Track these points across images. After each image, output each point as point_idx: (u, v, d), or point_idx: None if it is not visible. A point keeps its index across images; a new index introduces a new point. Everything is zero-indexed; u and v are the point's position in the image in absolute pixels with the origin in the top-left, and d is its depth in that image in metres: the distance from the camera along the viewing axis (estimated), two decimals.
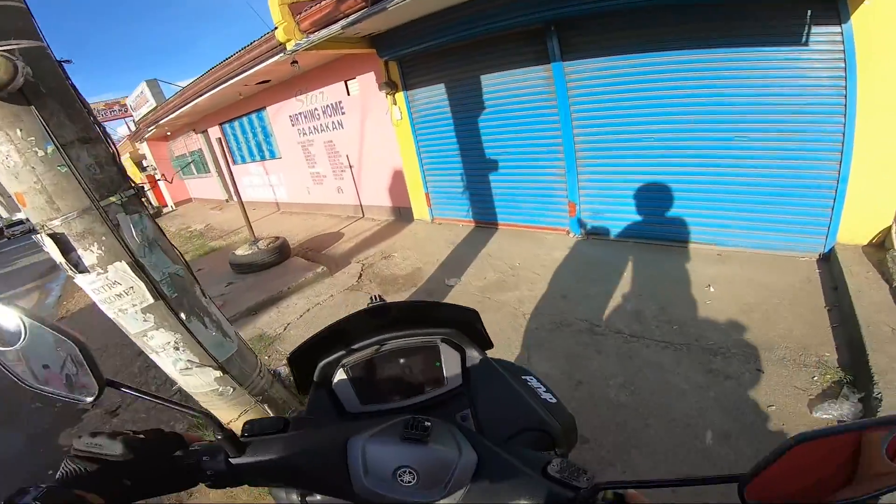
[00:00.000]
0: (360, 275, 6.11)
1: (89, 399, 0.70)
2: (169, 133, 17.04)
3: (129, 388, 0.70)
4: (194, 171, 17.18)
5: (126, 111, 22.53)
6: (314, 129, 9.39)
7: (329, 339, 1.07)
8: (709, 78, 4.43)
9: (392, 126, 7.32)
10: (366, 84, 7.56)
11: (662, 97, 4.73)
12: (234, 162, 13.52)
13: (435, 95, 6.54)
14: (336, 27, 5.36)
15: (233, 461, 0.72)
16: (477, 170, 6.52)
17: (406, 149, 7.36)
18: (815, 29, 3.83)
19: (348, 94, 8.07)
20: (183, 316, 2.38)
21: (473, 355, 1.09)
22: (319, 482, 0.76)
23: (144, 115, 14.70)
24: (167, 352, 2.43)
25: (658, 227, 5.28)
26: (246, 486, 0.76)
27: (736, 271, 4.38)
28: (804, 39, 3.89)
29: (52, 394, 0.72)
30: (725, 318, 3.65)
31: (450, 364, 1.06)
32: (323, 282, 6.13)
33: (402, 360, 1.07)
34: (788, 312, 3.57)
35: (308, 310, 5.44)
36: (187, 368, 2.50)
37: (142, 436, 0.72)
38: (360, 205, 9.22)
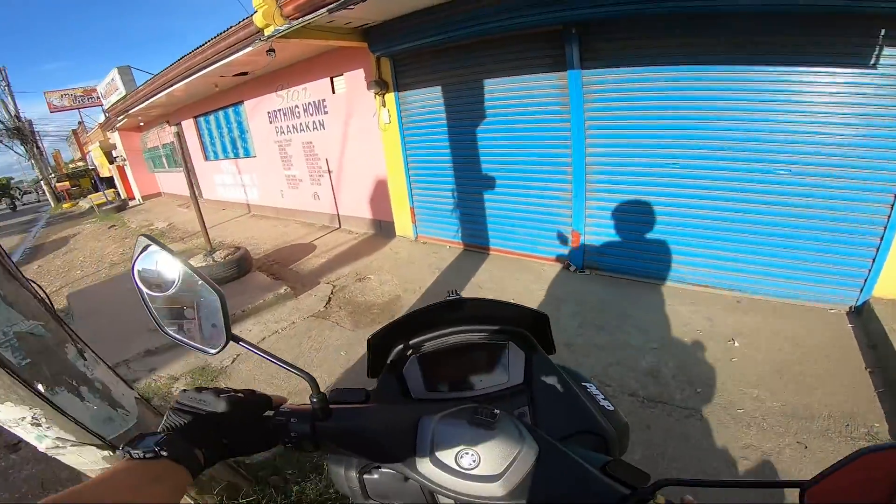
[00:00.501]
0: (329, 299, 5.24)
1: (214, 350, 0.74)
2: (142, 123, 16.00)
3: (250, 344, 0.74)
4: (165, 164, 16.08)
5: (83, 101, 21.27)
6: (293, 128, 8.52)
7: (407, 326, 1.10)
8: (750, 99, 3.77)
9: (379, 130, 6.50)
10: (354, 82, 6.74)
11: (694, 119, 4.03)
12: (207, 158, 12.59)
13: (429, 99, 5.75)
14: (322, 12, 4.56)
15: (318, 425, 0.74)
16: (470, 186, 5.73)
17: (392, 157, 6.52)
18: (886, 50, 3.19)
19: (333, 93, 7.25)
20: (41, 387, 1.51)
21: (538, 357, 1.07)
22: (387, 454, 0.75)
23: (114, 104, 13.61)
24: (24, 427, 1.58)
25: (673, 268, 4.56)
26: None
27: (759, 322, 3.82)
28: (872, 62, 3.26)
29: (183, 342, 0.77)
30: (755, 380, 3.15)
31: (514, 362, 1.06)
32: (285, 304, 5.24)
33: (470, 354, 1.08)
34: (826, 374, 3.13)
35: (263, 339, 4.59)
36: (58, 447, 1.67)
37: (240, 394, 0.76)
38: (338, 214, 8.34)
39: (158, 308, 0.78)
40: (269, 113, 8.94)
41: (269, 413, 0.78)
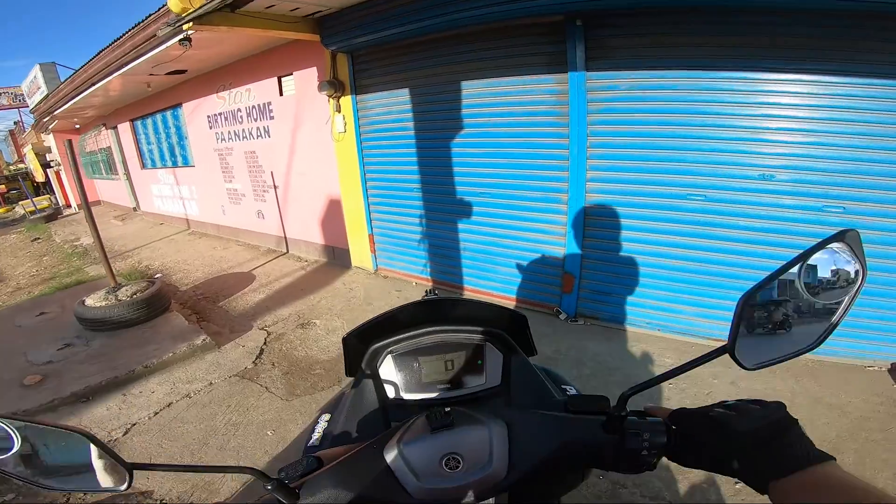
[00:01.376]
0: (261, 352, 4.02)
1: (123, 486, 0.62)
2: (78, 126, 14.31)
3: (159, 465, 0.64)
4: (103, 171, 14.38)
5: (24, 100, 19.54)
6: (234, 134, 7.23)
7: (382, 326, 1.05)
8: (801, 116, 2.93)
9: (332, 141, 5.34)
10: (304, 83, 5.56)
11: (728, 140, 3.10)
12: (144, 166, 11.10)
13: (394, 104, 4.61)
14: None
15: None
16: (442, 212, 4.60)
17: (347, 173, 5.33)
18: None
19: (281, 95, 6.04)
20: None
21: (516, 358, 1.04)
22: (380, 502, 0.67)
23: (37, 104, 11.94)
24: None
25: (690, 321, 3.59)
26: None
27: (793, 386, 3.13)
28: None
29: (77, 490, 0.68)
30: None
31: (492, 364, 1.03)
32: (203, 358, 3.99)
33: (446, 354, 1.03)
34: (886, 451, 2.54)
35: (169, 404, 3.42)
36: None
37: None
38: (285, 237, 7.05)
39: (21, 469, 0.59)
40: (208, 117, 7.63)
41: None
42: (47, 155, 17.23)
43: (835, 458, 0.53)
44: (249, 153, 7.03)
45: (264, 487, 0.64)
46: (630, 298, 3.73)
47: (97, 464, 0.62)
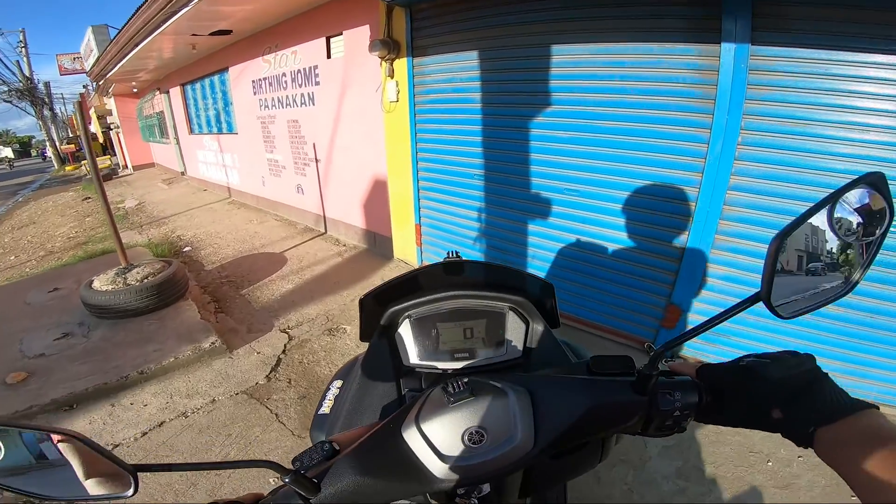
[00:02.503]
0: (278, 362, 3.17)
1: (129, 492, 0.51)
2: (136, 90, 13.87)
3: (165, 465, 0.51)
4: (157, 134, 13.93)
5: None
6: (278, 101, 6.38)
7: (402, 288, 0.97)
8: None
9: (382, 111, 4.39)
10: (355, 43, 4.62)
11: None
12: (192, 131, 10.47)
13: (457, 69, 3.59)
14: None
15: (313, 502, 0.56)
16: (509, 207, 3.57)
17: (396, 150, 4.39)
18: None
19: (328, 57, 5.11)
20: None
21: (538, 329, 0.95)
22: (403, 486, 0.58)
23: (91, 68, 11.43)
24: None
25: (842, 380, 2.50)
26: None
27: None
28: None
29: (80, 498, 0.52)
30: None
31: (513, 334, 0.94)
32: (210, 365, 3.20)
33: (466, 321, 0.94)
34: None
35: (161, 423, 2.69)
36: None
37: None
38: (324, 216, 6.20)
39: (10, 481, 0.51)
40: (253, 82, 6.81)
41: None
42: (108, 118, 17.05)
43: (878, 406, 0.48)
44: (292, 122, 6.17)
45: (282, 480, 0.54)
46: (755, 344, 2.68)
47: (97, 469, 0.51)
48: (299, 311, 3.88)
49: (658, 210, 2.75)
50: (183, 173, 12.39)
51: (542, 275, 3.43)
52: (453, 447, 0.57)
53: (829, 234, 0.51)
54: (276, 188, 7.28)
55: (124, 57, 8.03)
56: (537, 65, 3.03)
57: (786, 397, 0.52)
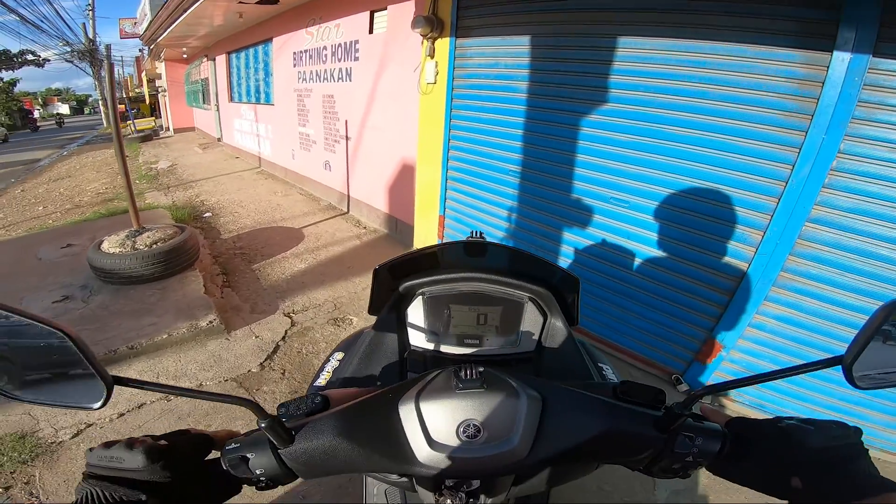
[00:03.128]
0: (275, 349, 2.90)
1: (97, 404, 0.47)
2: (186, 56, 13.82)
3: (143, 382, 0.48)
4: (201, 100, 13.86)
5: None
6: (316, 75, 6.10)
7: (418, 263, 0.89)
8: None
9: (418, 92, 4.04)
10: (398, 19, 4.29)
11: None
12: (232, 99, 10.30)
13: (503, 55, 3.19)
14: None
15: (282, 452, 0.53)
16: (543, 210, 3.15)
17: (428, 135, 4.02)
18: None
19: (371, 32, 4.79)
20: None
21: (557, 325, 0.87)
22: (378, 461, 0.55)
23: (144, 32, 11.37)
24: None
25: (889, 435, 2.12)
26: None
27: None
28: None
29: (49, 403, 0.51)
30: None
31: (529, 326, 0.86)
32: (205, 345, 2.94)
33: (481, 307, 0.86)
34: None
35: (141, 405, 2.46)
36: None
37: (163, 441, 0.53)
38: (348, 195, 5.91)
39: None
40: (294, 54, 6.55)
41: (214, 456, 0.57)
42: (156, 81, 17.15)
43: None
44: (327, 97, 5.88)
45: (258, 424, 0.52)
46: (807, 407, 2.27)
47: (72, 372, 0.48)
48: (307, 295, 3.58)
49: (717, 235, 2.33)
50: (219, 139, 12.27)
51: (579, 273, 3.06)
52: (445, 435, 0.53)
53: None
54: (305, 162, 7.03)
55: (173, 22, 7.93)
56: (597, 57, 2.62)
57: (815, 468, 0.48)
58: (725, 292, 2.36)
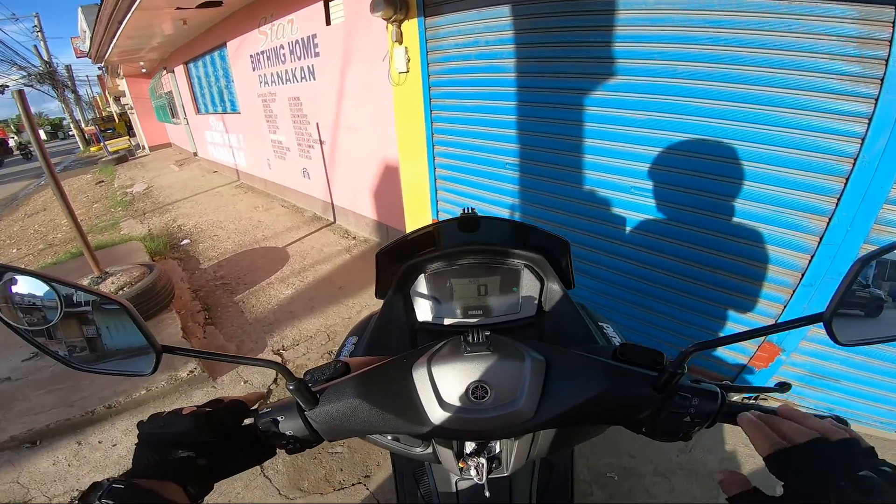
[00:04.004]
0: (269, 393, 2.47)
1: (149, 370, 0.52)
2: (145, 70, 12.97)
3: (187, 350, 0.55)
4: (170, 114, 13.09)
5: None
6: (277, 76, 5.50)
7: (418, 243, 0.93)
8: None
9: (390, 84, 3.51)
10: (355, 5, 3.71)
11: None
12: (199, 111, 9.63)
13: (484, 31, 2.64)
14: None
15: (308, 414, 0.56)
16: (551, 206, 2.62)
17: (408, 130, 3.50)
18: None
19: (328, 24, 4.21)
20: None
21: (553, 288, 0.87)
22: (394, 422, 0.56)
23: (89, 50, 10.51)
24: None
25: None
26: None
27: None
28: None
29: (107, 371, 0.55)
30: None
31: (527, 292, 0.87)
32: (190, 396, 2.65)
33: (481, 278, 0.88)
34: None
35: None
36: None
37: (208, 408, 0.57)
38: (332, 204, 5.39)
39: (57, 343, 0.52)
40: (251, 57, 5.92)
41: (249, 421, 0.60)
42: (122, 99, 16.24)
43: None
44: (293, 99, 5.30)
45: (286, 387, 0.54)
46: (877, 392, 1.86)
47: (127, 343, 0.53)
48: (297, 327, 3.12)
49: (769, 224, 1.86)
50: (195, 154, 11.59)
51: (584, 286, 2.61)
52: (456, 397, 0.54)
53: None
54: (282, 172, 6.47)
55: (113, 37, 7.21)
56: (599, 22, 2.10)
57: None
58: (784, 290, 1.91)
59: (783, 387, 0.56)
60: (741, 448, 1.97)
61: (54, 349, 0.51)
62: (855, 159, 1.60)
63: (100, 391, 2.52)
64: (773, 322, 0.42)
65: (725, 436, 2.04)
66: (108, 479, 0.47)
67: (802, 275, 1.83)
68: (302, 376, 0.57)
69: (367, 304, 3.33)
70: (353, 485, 1.96)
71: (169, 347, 0.51)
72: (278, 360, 2.76)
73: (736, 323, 2.12)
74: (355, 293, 3.49)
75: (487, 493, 0.62)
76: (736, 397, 1.94)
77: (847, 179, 1.64)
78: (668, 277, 2.24)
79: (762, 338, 2.03)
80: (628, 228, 2.31)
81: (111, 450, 2.24)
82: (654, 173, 2.12)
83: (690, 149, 1.97)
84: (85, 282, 3.18)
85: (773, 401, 2.05)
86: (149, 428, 0.54)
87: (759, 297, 2.00)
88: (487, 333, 0.57)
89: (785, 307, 1.92)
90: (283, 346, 2.90)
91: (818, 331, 1.87)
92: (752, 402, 0.59)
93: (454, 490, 0.72)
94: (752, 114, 1.77)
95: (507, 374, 0.55)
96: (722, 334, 2.11)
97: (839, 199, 1.67)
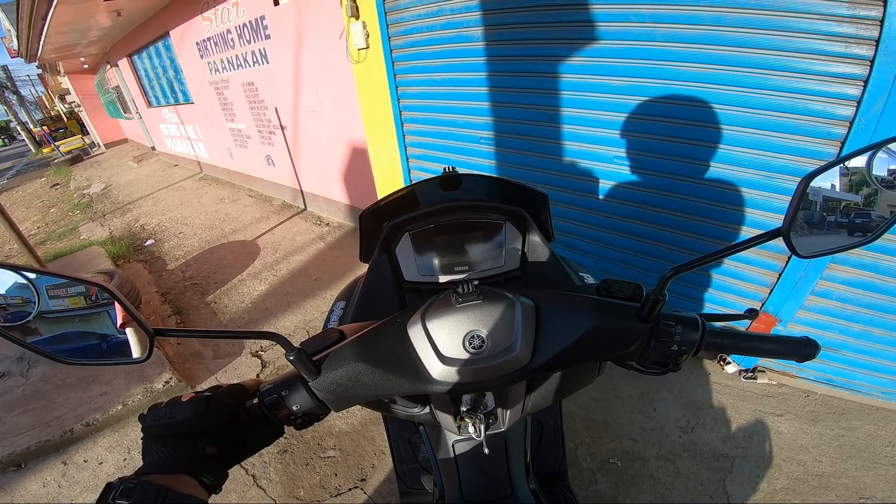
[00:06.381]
0: None
1: (143, 356, 0.49)
2: (87, 66, 11.81)
3: (180, 330, 0.54)
4: (121, 110, 12.08)
5: None
6: (228, 63, 5.00)
7: (400, 203, 0.88)
8: None
9: (349, 62, 3.18)
10: None
11: None
12: (150, 104, 8.88)
13: None
14: None
15: (311, 385, 0.53)
16: (530, 180, 2.42)
17: (373, 110, 3.20)
18: None
19: (276, 4, 3.78)
20: None
21: (535, 241, 0.84)
22: (400, 382, 0.53)
23: (18, 49, 9.39)
24: None
25: None
26: None
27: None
28: None
29: (99, 363, 0.50)
30: None
31: (510, 245, 0.83)
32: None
33: (464, 234, 0.84)
34: None
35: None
36: None
37: (207, 393, 0.53)
38: (300, 190, 5.03)
39: (39, 339, 0.47)
40: (198, 44, 5.36)
41: (253, 402, 0.56)
42: (66, 97, 14.90)
43: None
44: (247, 85, 4.84)
45: (287, 357, 0.52)
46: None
47: (114, 330, 0.49)
48: (274, 324, 2.86)
49: (761, 190, 1.71)
50: (153, 149, 10.76)
51: (592, 245, 2.43)
52: (453, 349, 0.52)
53: (870, 181, 0.45)
54: (245, 160, 6.01)
55: (41, 34, 6.40)
56: None
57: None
58: (778, 257, 1.80)
59: (752, 313, 0.58)
60: (743, 426, 1.88)
61: (38, 344, 0.46)
62: (851, 122, 1.46)
63: (75, 409, 2.30)
64: (739, 242, 0.41)
65: (728, 414, 1.94)
66: (119, 479, 0.44)
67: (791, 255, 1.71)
68: (300, 344, 0.55)
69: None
70: (350, 489, 1.78)
71: (161, 330, 0.48)
72: (258, 364, 2.52)
73: (731, 293, 2.00)
74: (332, 283, 3.24)
75: (486, 450, 0.60)
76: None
77: (843, 143, 1.50)
78: (665, 249, 2.09)
79: (759, 308, 1.91)
80: (609, 199, 2.14)
81: (98, 468, 2.04)
82: (635, 141, 1.93)
83: (672, 115, 1.79)
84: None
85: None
86: (150, 420, 0.50)
87: (750, 264, 1.88)
88: (476, 282, 0.55)
89: (780, 275, 1.80)
90: (261, 347, 2.64)
91: (816, 299, 1.77)
92: (728, 330, 0.56)
93: (452, 455, 0.70)
94: (738, 77, 1.60)
95: (500, 322, 0.53)
96: (722, 303, 2.01)
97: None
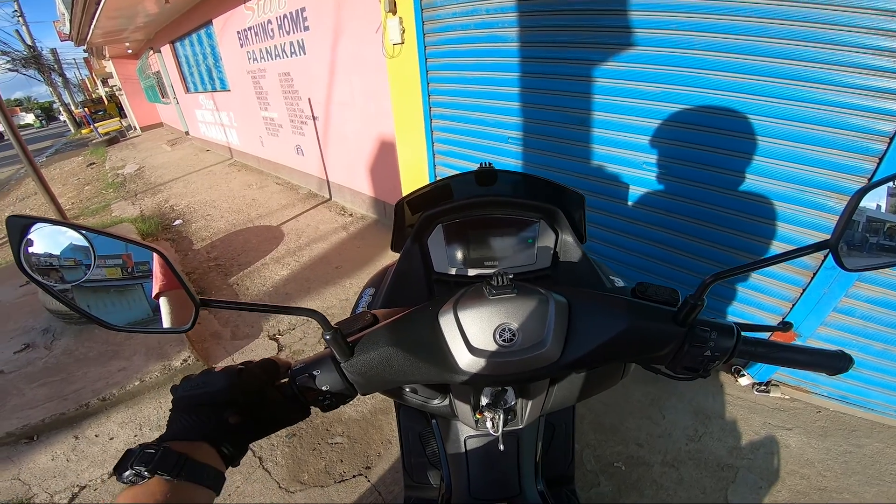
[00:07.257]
0: None
1: (186, 326, 0.48)
2: (131, 51, 12.18)
3: (225, 302, 0.49)
4: (160, 94, 12.41)
5: None
6: (266, 53, 5.10)
7: (435, 195, 0.85)
8: None
9: (384, 56, 3.21)
10: None
11: None
12: (188, 90, 9.09)
13: None
14: None
15: (343, 366, 0.53)
16: (552, 179, 2.47)
17: (404, 105, 3.23)
18: None
19: None
20: None
21: (568, 241, 0.82)
22: (429, 369, 0.53)
23: (69, 32, 9.75)
24: None
25: None
26: None
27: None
28: None
29: (142, 331, 0.50)
30: None
31: (543, 244, 0.82)
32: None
33: (497, 230, 0.82)
34: None
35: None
36: None
37: (240, 366, 0.54)
38: (327, 180, 5.10)
39: (91, 300, 0.46)
40: (238, 34, 5.49)
41: (283, 380, 0.56)
42: (109, 80, 15.35)
43: None
44: (283, 75, 4.93)
45: (323, 336, 0.52)
46: None
47: (163, 298, 0.48)
48: (295, 301, 2.90)
49: (792, 203, 1.66)
50: (187, 133, 11.02)
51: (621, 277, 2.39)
52: (483, 340, 0.52)
53: None
54: (276, 149, 6.12)
55: (92, 18, 6.64)
56: None
57: None
58: (804, 272, 1.75)
59: (786, 325, 0.57)
60: (752, 438, 1.84)
61: (88, 310, 0.45)
62: (891, 139, 1.41)
63: (93, 383, 2.33)
64: (785, 251, 0.39)
65: (737, 426, 1.90)
66: (140, 445, 0.44)
67: (825, 257, 1.66)
68: (336, 325, 0.53)
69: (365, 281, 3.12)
70: (354, 476, 1.79)
71: (207, 301, 0.48)
72: (275, 345, 2.56)
73: (752, 306, 1.95)
74: (352, 272, 3.27)
75: (502, 447, 0.60)
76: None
77: (881, 159, 1.45)
78: (686, 258, 2.06)
79: (780, 322, 1.87)
80: (635, 205, 2.11)
81: (108, 444, 2.06)
82: (666, 148, 1.91)
83: (706, 123, 1.75)
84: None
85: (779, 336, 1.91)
86: (182, 390, 0.50)
87: (774, 277, 1.83)
88: (511, 276, 0.54)
89: (804, 290, 1.76)
90: (278, 331, 2.68)
91: (838, 316, 1.72)
92: (761, 339, 0.55)
93: (463, 451, 0.71)
94: (776, 88, 1.56)
95: (532, 317, 0.52)
96: (742, 316, 1.96)
97: (870, 180, 1.49)
